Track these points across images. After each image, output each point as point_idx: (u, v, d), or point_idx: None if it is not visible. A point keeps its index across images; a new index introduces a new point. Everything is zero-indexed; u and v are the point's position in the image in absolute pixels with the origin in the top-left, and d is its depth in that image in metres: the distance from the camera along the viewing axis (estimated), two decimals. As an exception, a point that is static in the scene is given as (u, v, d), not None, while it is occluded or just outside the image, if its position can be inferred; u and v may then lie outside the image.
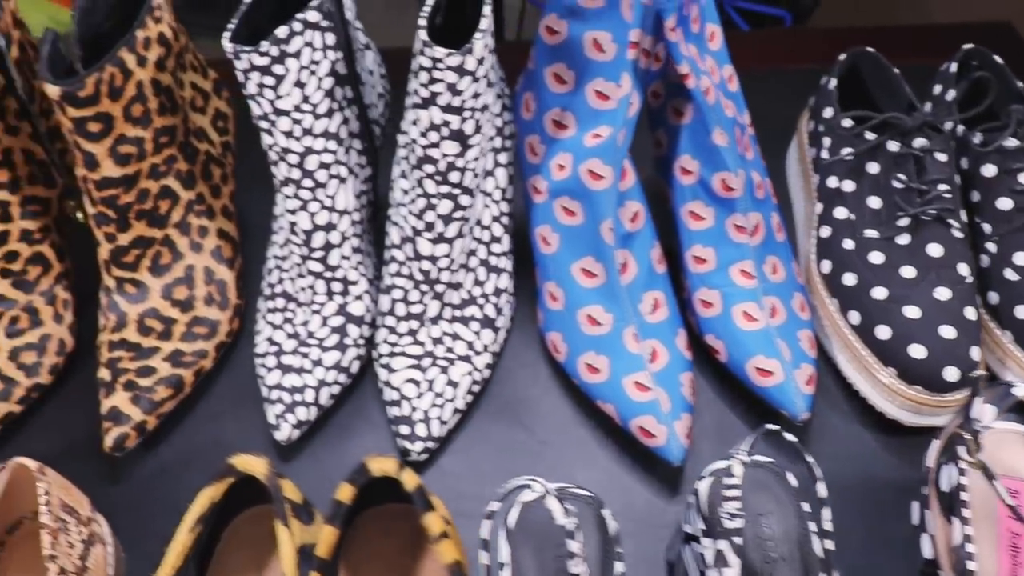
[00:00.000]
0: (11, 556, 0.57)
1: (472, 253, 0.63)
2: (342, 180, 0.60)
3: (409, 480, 0.52)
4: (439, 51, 0.53)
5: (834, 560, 0.47)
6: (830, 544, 0.48)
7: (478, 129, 0.57)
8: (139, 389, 0.61)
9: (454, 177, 0.58)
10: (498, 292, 0.64)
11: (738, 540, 0.47)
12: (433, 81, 0.54)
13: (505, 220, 0.64)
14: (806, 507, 0.52)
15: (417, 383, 0.61)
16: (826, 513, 0.48)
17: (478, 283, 0.64)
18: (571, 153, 0.61)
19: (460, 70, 0.54)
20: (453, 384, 0.61)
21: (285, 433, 0.60)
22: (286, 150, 0.58)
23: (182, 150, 0.63)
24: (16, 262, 0.64)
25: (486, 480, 0.60)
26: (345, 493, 0.52)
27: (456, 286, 0.63)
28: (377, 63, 0.68)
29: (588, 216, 0.61)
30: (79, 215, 0.68)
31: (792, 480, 0.52)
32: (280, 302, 0.64)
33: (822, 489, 0.48)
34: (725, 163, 0.61)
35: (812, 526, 0.51)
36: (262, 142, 0.59)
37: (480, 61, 0.54)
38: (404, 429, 0.60)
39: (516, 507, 0.51)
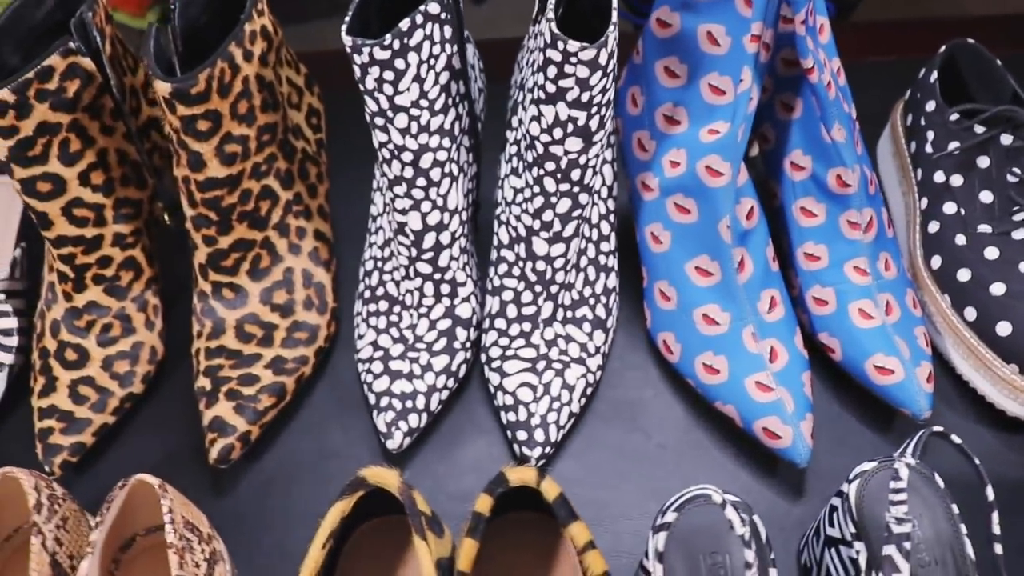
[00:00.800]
0: (126, 573, 0.54)
1: (582, 252, 0.61)
2: (454, 178, 0.58)
3: (550, 490, 0.50)
4: (573, 45, 0.51)
5: (1003, 565, 0.47)
6: (999, 548, 0.47)
7: (602, 125, 0.55)
8: (242, 398, 0.59)
9: (575, 175, 0.56)
10: (607, 292, 0.63)
11: (907, 545, 0.46)
12: (563, 76, 0.53)
13: (612, 218, 0.63)
14: (955, 509, 0.51)
15: (533, 387, 0.59)
16: (995, 517, 0.47)
17: (588, 283, 0.62)
18: (685, 149, 0.60)
19: (593, 64, 0.52)
20: (569, 387, 0.60)
21: (397, 441, 0.58)
22: (401, 147, 0.56)
23: (281, 148, 0.61)
24: (109, 267, 0.61)
25: (606, 485, 0.59)
26: (484, 504, 0.50)
27: (568, 286, 0.61)
28: (476, 57, 0.66)
29: (704, 213, 0.60)
30: (166, 217, 0.65)
31: (940, 482, 0.51)
32: (383, 305, 0.62)
33: (990, 492, 0.47)
34: (842, 159, 0.59)
35: (963, 528, 0.50)
36: (374, 140, 0.57)
37: (611, 55, 0.53)
38: (521, 435, 0.58)
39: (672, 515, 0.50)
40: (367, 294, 0.64)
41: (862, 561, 0.49)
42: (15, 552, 0.56)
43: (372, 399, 0.60)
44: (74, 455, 0.59)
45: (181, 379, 0.64)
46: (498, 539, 0.54)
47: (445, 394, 0.60)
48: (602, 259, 0.63)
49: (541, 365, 0.60)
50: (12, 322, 0.63)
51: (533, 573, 0.54)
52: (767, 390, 0.58)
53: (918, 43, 0.82)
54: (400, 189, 0.57)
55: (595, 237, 0.62)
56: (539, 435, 0.58)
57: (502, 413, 0.60)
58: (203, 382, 0.60)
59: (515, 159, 0.60)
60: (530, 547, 0.54)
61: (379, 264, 0.63)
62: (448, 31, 0.55)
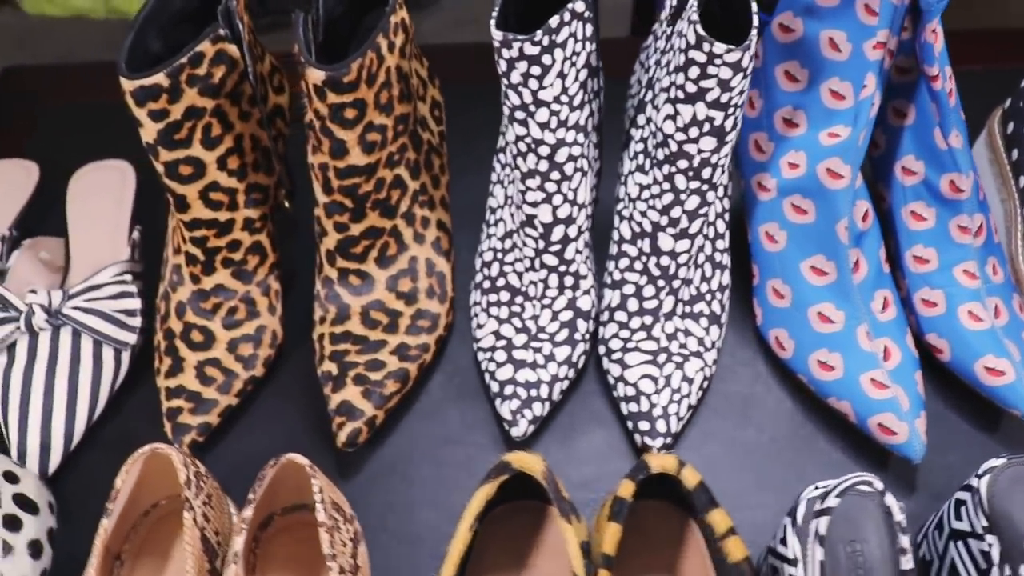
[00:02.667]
0: (266, 552, 0.55)
1: (700, 249, 0.63)
2: (584, 173, 0.60)
3: (691, 477, 0.52)
4: (719, 47, 0.53)
5: None
6: None
7: (735, 125, 0.57)
8: (370, 383, 0.60)
9: (706, 173, 0.58)
10: (721, 288, 0.64)
11: (1047, 538, 0.47)
12: (705, 77, 0.54)
13: (726, 216, 0.64)
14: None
15: (654, 379, 0.60)
16: None
17: (705, 279, 0.63)
18: (805, 151, 0.61)
19: (736, 66, 0.53)
20: (688, 380, 0.61)
21: (522, 428, 0.59)
22: (539, 141, 0.57)
23: (411, 139, 0.62)
24: (238, 251, 0.62)
25: (722, 476, 0.60)
26: (627, 489, 0.51)
27: (688, 282, 0.62)
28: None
29: (822, 214, 0.61)
30: (286, 203, 0.66)
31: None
32: (504, 296, 0.64)
33: None
34: (957, 164, 0.61)
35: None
36: (508, 134, 0.58)
37: (752, 58, 0.54)
38: (643, 425, 0.59)
39: (803, 504, 0.51)
40: (486, 284, 0.65)
41: (995, 554, 0.50)
42: (154, 525, 0.57)
43: (495, 387, 0.61)
44: (201, 435, 0.60)
45: (298, 363, 0.65)
46: (628, 526, 0.55)
47: (565, 384, 0.62)
48: (717, 256, 0.64)
49: (662, 358, 0.61)
50: (136, 303, 0.64)
51: (663, 559, 0.55)
52: (882, 387, 0.59)
53: (1000, 52, 0.84)
54: (533, 182, 0.59)
55: (712, 235, 0.63)
56: (661, 426, 0.59)
57: (623, 404, 0.61)
58: (329, 367, 0.61)
59: (641, 156, 0.61)
60: (656, 534, 0.56)
61: (499, 255, 0.64)
62: (589, 29, 0.56)
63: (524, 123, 0.57)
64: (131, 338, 0.64)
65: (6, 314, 0.62)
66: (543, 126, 0.56)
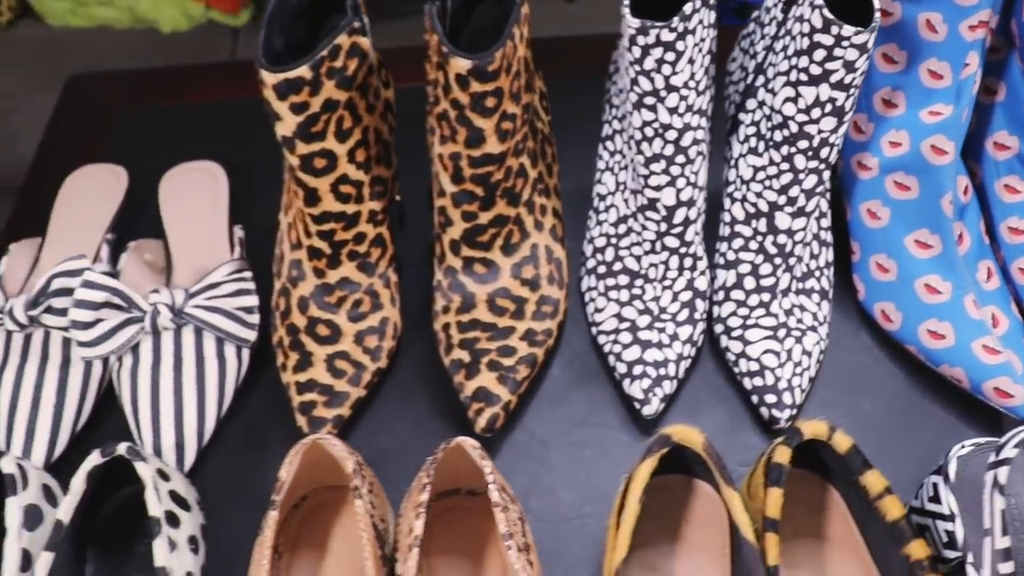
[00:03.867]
0: (429, 535, 0.56)
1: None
2: (704, 157, 0.61)
3: (842, 441, 0.54)
4: (848, 29, 0.55)
5: None
6: None
7: (854, 105, 0.59)
8: (503, 369, 0.61)
9: (824, 152, 0.60)
10: (828, 265, 0.66)
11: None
12: (831, 59, 0.56)
13: (828, 195, 0.66)
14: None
15: (776, 353, 0.62)
16: None
17: (813, 256, 0.66)
18: (907, 130, 0.64)
19: (862, 48, 0.56)
20: (807, 354, 0.63)
21: (654, 407, 0.61)
22: (667, 126, 0.59)
23: (531, 128, 0.63)
24: (363, 244, 0.63)
25: (846, 445, 0.62)
26: (783, 455, 0.53)
27: (800, 259, 0.64)
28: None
29: (926, 190, 0.64)
30: (397, 197, 0.67)
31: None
32: (623, 279, 0.65)
33: None
34: (1050, 138, 0.64)
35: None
36: (634, 120, 0.59)
37: (874, 39, 0.57)
38: (770, 398, 0.61)
39: (954, 463, 0.53)
40: (601, 270, 0.66)
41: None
42: (305, 518, 0.57)
43: (622, 368, 0.62)
44: (336, 427, 0.61)
45: (412, 353, 0.66)
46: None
47: (688, 363, 0.63)
48: (823, 234, 0.66)
49: (782, 333, 0.63)
50: (254, 300, 0.65)
51: (808, 524, 0.57)
52: (995, 352, 0.62)
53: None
54: (658, 166, 0.60)
55: (817, 213, 0.66)
56: (787, 398, 0.61)
57: (746, 379, 0.63)
58: (459, 355, 0.62)
59: (753, 139, 0.63)
60: (798, 500, 0.58)
61: (612, 241, 0.66)
62: (712, 15, 0.58)
63: (653, 108, 0.58)
64: (252, 335, 0.64)
65: (131, 315, 0.62)
66: (672, 111, 0.58)
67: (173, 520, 0.55)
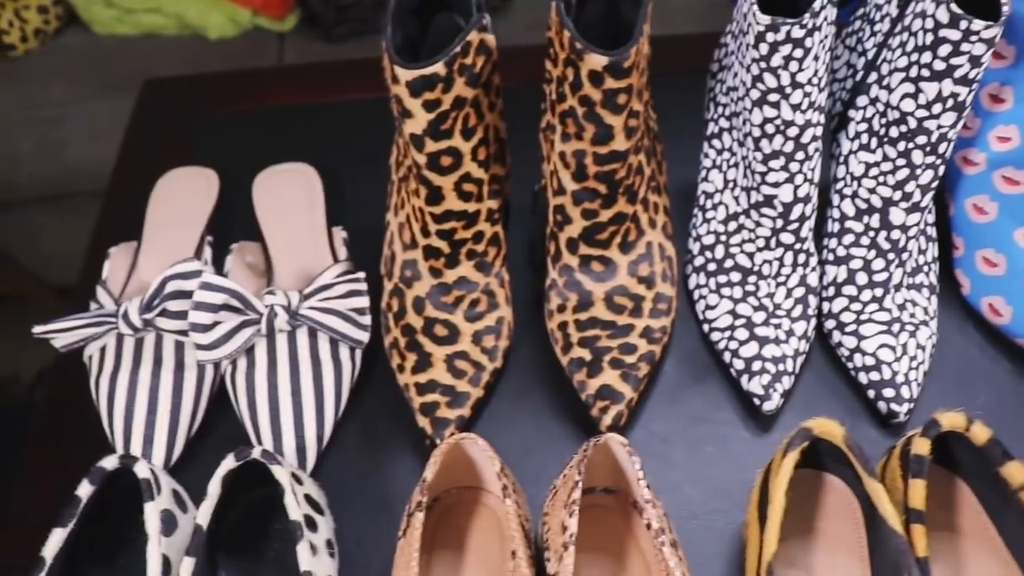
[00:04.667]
0: (586, 526, 0.55)
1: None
2: (820, 152, 0.62)
3: (981, 433, 0.54)
4: (978, 24, 0.55)
5: None
6: None
7: (972, 100, 0.60)
8: (626, 367, 0.61)
9: (942, 148, 0.60)
10: (934, 260, 0.67)
11: None
12: (957, 54, 0.56)
13: (933, 190, 0.67)
14: None
15: (892, 348, 0.63)
16: None
17: (921, 252, 0.66)
18: (1016, 125, 0.64)
19: (990, 42, 0.56)
20: (921, 348, 0.63)
21: (774, 403, 0.61)
22: (789, 123, 0.59)
23: (645, 124, 0.63)
24: (481, 243, 0.62)
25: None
26: (923, 447, 0.53)
27: (911, 254, 0.65)
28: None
29: (1034, 184, 0.64)
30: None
31: None
32: (736, 276, 0.65)
33: None
34: None
35: None
36: (753, 117, 0.60)
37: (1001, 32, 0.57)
38: (888, 392, 0.61)
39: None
40: (711, 267, 0.66)
41: None
42: (439, 520, 0.57)
43: (740, 364, 0.62)
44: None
45: (520, 353, 0.66)
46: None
47: (802, 359, 0.64)
48: (929, 230, 0.67)
49: (896, 327, 0.63)
50: (365, 301, 0.64)
51: (938, 518, 0.57)
52: (1106, 345, 0.62)
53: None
54: (777, 163, 0.61)
55: (928, 208, 0.66)
56: (905, 392, 0.61)
57: (861, 374, 0.63)
58: (580, 353, 0.62)
59: (865, 135, 0.63)
60: (929, 495, 0.58)
61: (722, 238, 0.66)
62: (834, 12, 0.58)
63: (776, 105, 0.58)
64: (365, 336, 0.63)
65: (247, 317, 0.61)
66: (795, 108, 0.58)
67: (311, 524, 0.54)
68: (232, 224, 0.73)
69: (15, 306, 1.47)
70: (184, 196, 0.73)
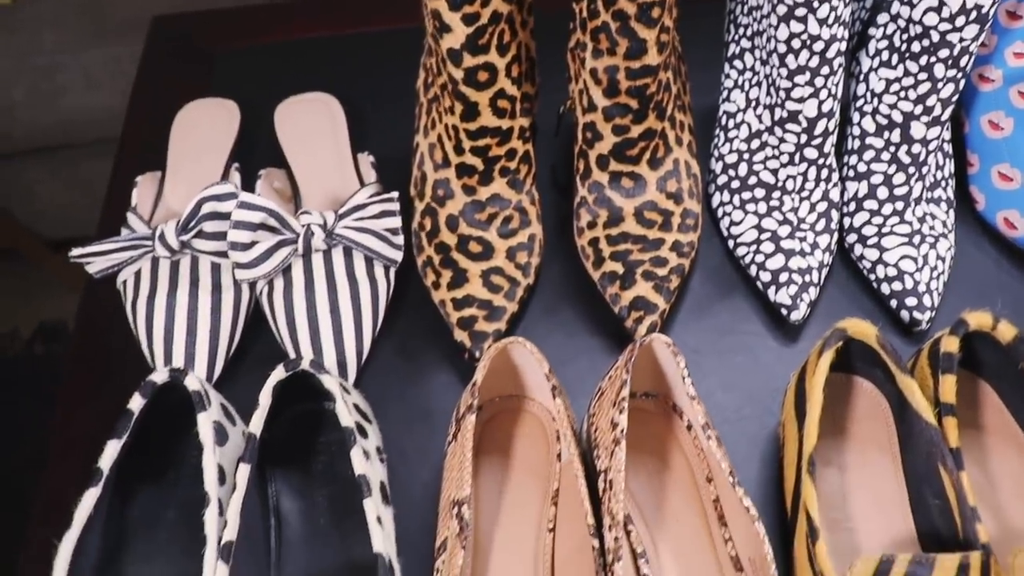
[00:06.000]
0: (629, 428, 0.57)
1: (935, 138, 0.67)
2: (843, 68, 0.63)
3: (1007, 331, 0.56)
4: (1001, -66, 0.57)
5: None
6: None
7: (995, 11, 0.61)
8: (658, 279, 0.62)
9: (963, 61, 0.62)
10: (952, 176, 0.69)
11: None
12: (982, -35, 0.58)
13: (952, 104, 0.68)
14: None
15: (913, 259, 0.64)
16: None
17: (939, 167, 0.68)
18: (1031, 41, 0.66)
19: (1013, -48, 0.58)
20: (941, 259, 0.65)
21: (802, 312, 0.63)
22: (815, 37, 0.60)
23: (672, 43, 0.64)
24: (513, 160, 0.63)
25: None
26: (952, 344, 0.55)
27: (930, 168, 0.67)
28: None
29: (1048, 99, 0.66)
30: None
31: None
32: (760, 192, 0.67)
33: None
34: None
35: None
36: (779, 33, 0.61)
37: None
38: (910, 301, 0.63)
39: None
40: (735, 184, 0.68)
41: None
42: (486, 424, 0.58)
43: (767, 277, 0.64)
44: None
45: (549, 270, 0.67)
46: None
47: (826, 271, 0.65)
48: (946, 146, 0.69)
49: (917, 239, 0.65)
50: (397, 221, 0.65)
51: (961, 416, 0.59)
52: (1118, 253, 0.65)
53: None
54: (802, 79, 0.62)
55: (948, 123, 0.67)
56: (927, 300, 0.63)
57: (884, 284, 0.65)
58: (612, 267, 0.63)
59: (886, 52, 0.65)
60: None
61: (745, 156, 0.67)
62: (858, -74, 0.60)
63: (803, 20, 0.59)
64: (398, 255, 0.64)
65: (283, 236, 0.62)
66: (822, 22, 0.59)
67: (362, 431, 0.55)
68: (255, 154, 0.74)
69: (11, 261, 1.46)
70: (206, 127, 0.73)
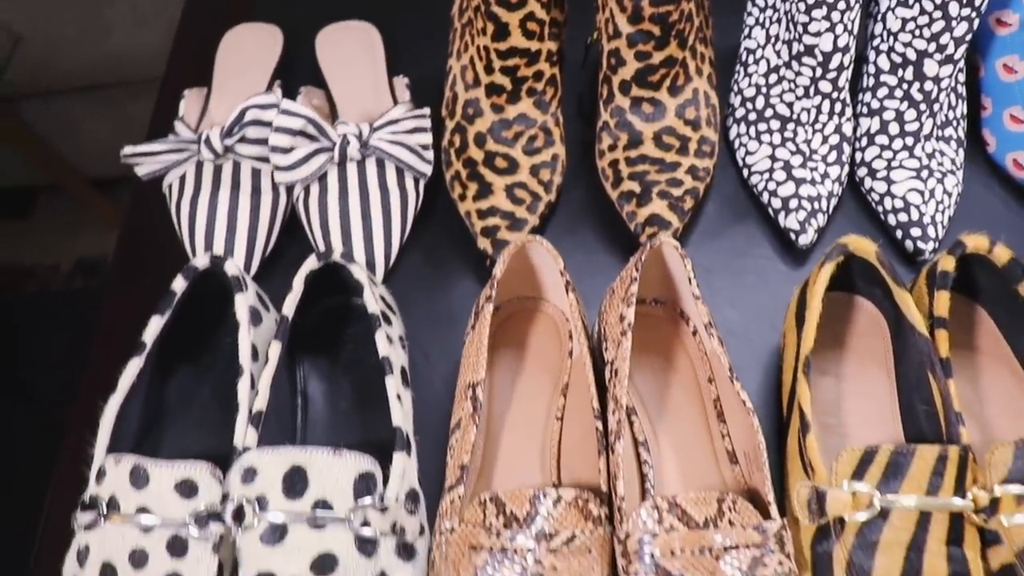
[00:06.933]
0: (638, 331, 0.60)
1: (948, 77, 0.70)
2: (860, 4, 0.66)
3: (1003, 254, 0.58)
4: None
5: None
6: None
7: (1008, -45, 0.63)
8: (672, 199, 0.65)
9: (978, 0, 0.64)
10: (963, 117, 0.71)
11: None
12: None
13: (966, 43, 0.71)
14: None
15: (920, 192, 0.67)
16: None
17: (951, 107, 0.70)
18: (1048, -15, 0.68)
19: None
20: (948, 194, 0.68)
21: (809, 237, 0.66)
22: (834, -29, 0.63)
23: (695, -25, 0.67)
24: (540, 82, 0.67)
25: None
26: (948, 263, 0.58)
27: (942, 107, 0.69)
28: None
29: (1062, 43, 0.68)
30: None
31: None
32: (775, 124, 0.69)
33: None
34: None
35: None
36: (801, -35, 0.63)
37: None
38: (915, 231, 0.66)
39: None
40: (752, 116, 0.71)
41: None
42: (503, 322, 0.62)
43: (777, 203, 0.67)
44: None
45: (568, 191, 0.71)
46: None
47: (835, 201, 0.68)
48: (959, 87, 0.71)
49: (925, 174, 0.68)
50: (429, 138, 0.68)
51: (955, 338, 0.62)
52: (1121, 194, 0.67)
53: None
54: (819, 13, 0.64)
55: (961, 63, 0.70)
56: (931, 231, 0.66)
57: (891, 216, 0.67)
58: (629, 186, 0.66)
59: (903, -9, 0.67)
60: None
61: (763, 90, 0.70)
62: None
63: (823, -47, 0.62)
64: (428, 168, 0.68)
65: (321, 144, 0.66)
66: (840, -45, 0.62)
67: (387, 319, 0.59)
68: (296, 76, 0.77)
69: (55, 196, 1.51)
70: (250, 48, 0.77)
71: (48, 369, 1.41)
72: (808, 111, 0.68)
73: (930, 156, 0.69)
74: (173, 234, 0.69)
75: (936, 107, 0.68)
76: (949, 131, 0.70)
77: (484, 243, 0.65)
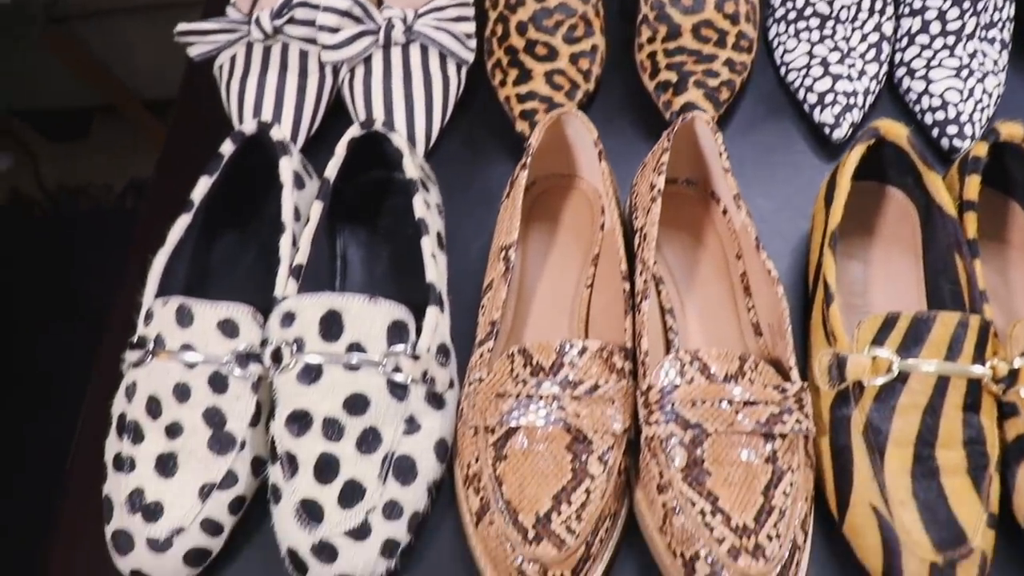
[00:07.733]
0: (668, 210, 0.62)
1: (993, -20, 0.69)
2: (907, -101, 0.66)
3: (1034, 140, 0.59)
4: None
5: None
6: None
7: None
8: (708, 88, 0.66)
9: None
10: (1010, 19, 0.71)
11: None
12: None
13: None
14: None
15: (959, 91, 0.67)
16: None
17: (997, 9, 0.70)
18: None
19: None
20: (988, 94, 0.68)
21: (843, 131, 0.66)
22: None
23: None
24: (591, -30, 0.68)
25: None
26: (980, 149, 0.58)
27: (985, 9, 0.69)
28: None
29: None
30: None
31: None
32: (815, 22, 0.70)
33: None
34: None
35: None
36: None
37: None
38: (951, 129, 0.66)
39: None
40: (791, 16, 0.71)
41: None
42: (537, 197, 0.63)
43: (813, 99, 0.68)
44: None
45: (607, 85, 0.72)
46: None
47: (872, 98, 0.69)
48: (1004, -9, 0.71)
49: (964, 73, 0.68)
50: (472, 27, 0.70)
51: (986, 230, 0.62)
52: None
53: None
54: (864, -96, 0.65)
55: (1000, -31, 0.70)
56: (968, 129, 0.66)
57: (927, 114, 0.68)
58: (667, 76, 0.67)
59: None
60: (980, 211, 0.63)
61: (804, -12, 0.71)
62: None
63: None
64: (470, 55, 0.69)
65: (367, 27, 0.67)
66: None
67: (424, 186, 0.61)
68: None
69: (109, 117, 1.55)
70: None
71: (99, 280, 1.46)
72: (848, 8, 0.69)
73: (972, 56, 0.69)
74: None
75: (980, 5, 0.68)
76: (994, 32, 0.70)
77: (522, 126, 0.66)
